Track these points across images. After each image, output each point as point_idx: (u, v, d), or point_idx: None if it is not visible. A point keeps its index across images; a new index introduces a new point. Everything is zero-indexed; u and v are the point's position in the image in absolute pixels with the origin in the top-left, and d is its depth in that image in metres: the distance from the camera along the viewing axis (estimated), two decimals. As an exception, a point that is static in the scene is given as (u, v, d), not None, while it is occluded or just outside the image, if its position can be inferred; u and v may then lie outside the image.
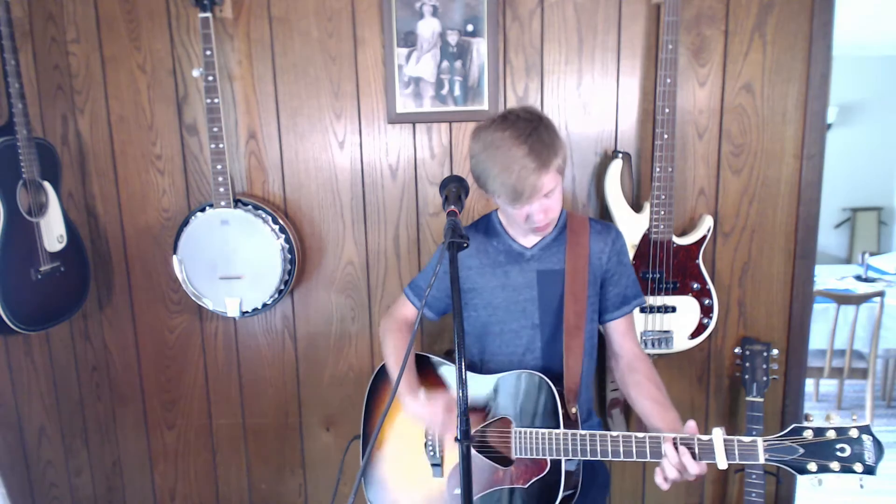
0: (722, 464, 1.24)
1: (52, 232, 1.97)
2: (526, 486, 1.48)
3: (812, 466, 1.19)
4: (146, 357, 2.33)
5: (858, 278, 4.01)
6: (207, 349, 2.30)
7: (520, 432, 1.45)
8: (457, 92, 2.05)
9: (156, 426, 2.38)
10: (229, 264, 2.04)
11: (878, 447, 1.17)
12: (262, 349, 2.28)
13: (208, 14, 1.92)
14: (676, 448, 1.27)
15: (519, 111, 1.42)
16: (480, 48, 2.01)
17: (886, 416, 4.00)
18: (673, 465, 1.27)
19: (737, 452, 1.24)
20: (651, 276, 1.96)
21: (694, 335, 1.99)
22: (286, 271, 2.05)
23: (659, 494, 2.28)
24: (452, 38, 2.01)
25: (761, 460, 1.21)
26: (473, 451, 1.52)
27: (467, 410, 1.09)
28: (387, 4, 2.00)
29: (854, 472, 1.17)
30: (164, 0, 2.09)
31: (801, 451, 1.19)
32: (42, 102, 2.10)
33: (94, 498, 2.38)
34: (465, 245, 1.21)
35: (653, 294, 1.97)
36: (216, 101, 1.95)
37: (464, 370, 1.08)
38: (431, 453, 1.57)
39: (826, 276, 4.03)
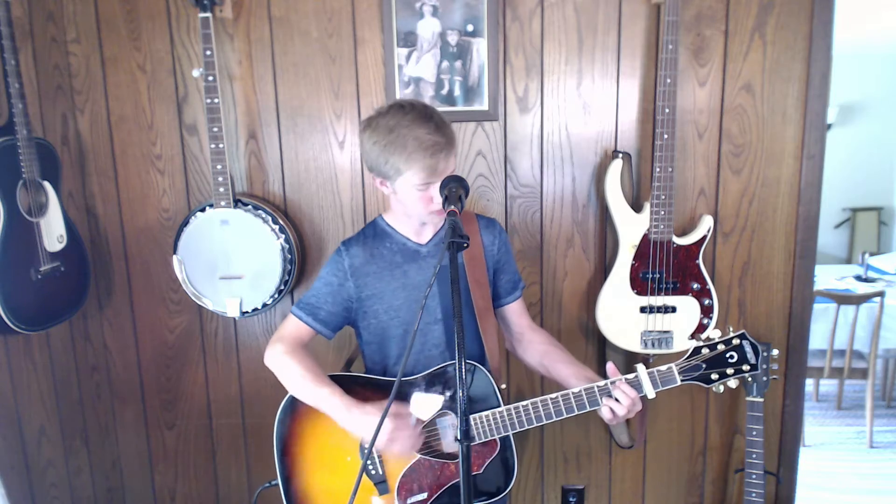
0: (650, 393, 1.41)
1: (52, 232, 1.97)
2: (481, 470, 1.50)
3: (714, 376, 1.42)
4: (146, 357, 2.33)
5: (858, 278, 4.00)
6: (207, 349, 2.30)
7: None
8: (457, 92, 2.05)
9: (156, 426, 2.38)
10: (229, 264, 2.04)
11: (755, 347, 1.42)
12: (262, 349, 2.26)
13: (208, 14, 1.92)
14: (618, 387, 1.42)
15: (407, 101, 1.47)
16: (480, 48, 2.01)
17: (886, 416, 4.00)
18: (625, 405, 1.41)
19: (658, 380, 1.42)
20: (651, 276, 1.96)
21: (694, 335, 1.99)
22: (286, 271, 2.05)
23: (659, 494, 2.29)
24: (452, 38, 2.01)
25: (678, 382, 1.42)
26: (420, 455, 1.51)
27: (467, 410, 1.09)
28: (387, 4, 2.00)
29: (743, 372, 1.42)
30: (164, 0, 2.09)
31: (704, 366, 1.42)
32: (42, 102, 2.10)
33: (94, 498, 2.38)
34: (466, 245, 1.20)
35: (653, 294, 1.97)
36: (216, 101, 1.95)
37: (463, 370, 1.08)
38: (373, 471, 1.52)
39: (826, 276, 4.03)
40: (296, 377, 1.52)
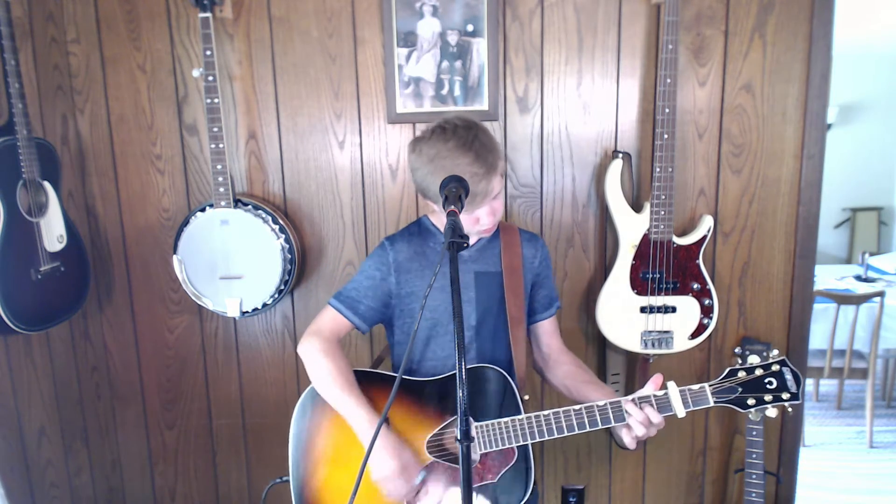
0: (681, 412, 1.35)
1: (52, 232, 1.97)
2: (496, 479, 1.48)
3: (751, 401, 1.35)
4: (146, 357, 2.33)
5: (858, 278, 4.00)
6: (207, 349, 2.30)
7: (483, 426, 1.44)
8: (457, 92, 2.05)
9: (156, 426, 2.38)
10: (229, 264, 2.04)
11: (796, 376, 1.35)
12: (262, 349, 2.28)
13: (208, 14, 1.92)
14: (639, 407, 1.37)
15: (455, 120, 1.45)
16: (480, 48, 2.01)
17: (886, 416, 4.00)
18: (639, 422, 1.36)
19: (690, 400, 1.36)
20: (651, 276, 1.96)
21: (694, 335, 1.99)
22: (286, 271, 2.05)
23: (659, 494, 2.28)
24: (452, 38, 2.01)
25: (711, 403, 1.36)
26: (433, 458, 1.49)
27: (468, 410, 1.09)
28: (387, 4, 2.00)
29: (783, 400, 1.35)
30: (164, 0, 2.09)
31: (740, 389, 1.36)
32: (42, 102, 2.10)
33: (94, 498, 2.38)
34: (466, 245, 1.20)
35: (653, 294, 1.97)
36: (216, 101, 1.95)
37: (463, 370, 1.08)
38: None
39: (826, 276, 4.03)
40: (325, 377, 1.52)
